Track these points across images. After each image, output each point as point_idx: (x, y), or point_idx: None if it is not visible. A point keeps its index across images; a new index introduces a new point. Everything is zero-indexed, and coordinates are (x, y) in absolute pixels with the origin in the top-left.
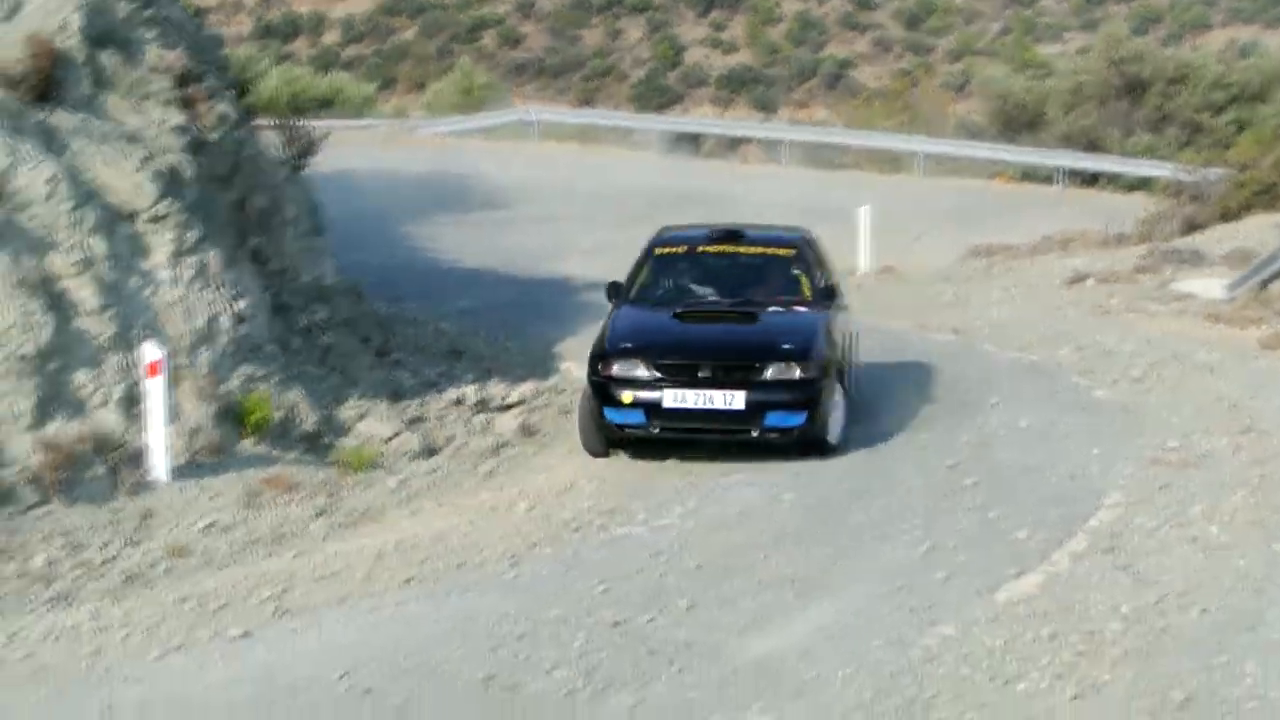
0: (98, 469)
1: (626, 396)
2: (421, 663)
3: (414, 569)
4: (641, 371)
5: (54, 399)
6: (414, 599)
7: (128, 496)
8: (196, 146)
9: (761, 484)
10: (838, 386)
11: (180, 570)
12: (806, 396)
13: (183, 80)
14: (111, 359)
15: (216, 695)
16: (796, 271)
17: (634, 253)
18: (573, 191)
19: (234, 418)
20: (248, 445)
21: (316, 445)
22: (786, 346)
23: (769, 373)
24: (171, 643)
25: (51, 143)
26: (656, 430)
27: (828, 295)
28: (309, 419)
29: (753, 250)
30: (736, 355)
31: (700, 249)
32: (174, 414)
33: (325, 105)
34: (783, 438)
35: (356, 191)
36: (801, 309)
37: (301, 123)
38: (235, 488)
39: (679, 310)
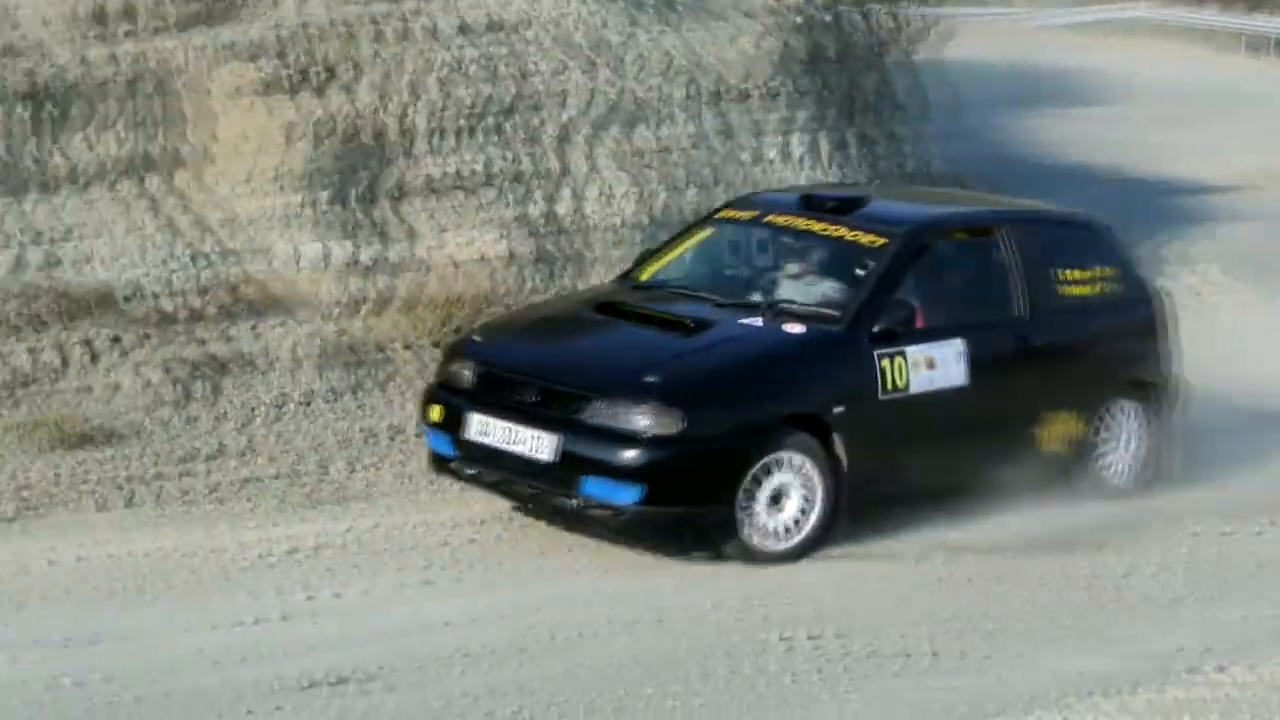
0: None
1: (434, 411)
2: None
3: None
4: (467, 379)
5: None
6: None
7: None
8: (809, 26)
9: None
10: (802, 461)
11: None
12: (649, 461)
13: None
14: None
15: None
16: (862, 271)
17: (1255, 155)
18: (1176, 90)
19: None
20: None
21: None
22: (648, 378)
23: (593, 414)
24: None
25: (667, 16)
26: (470, 472)
27: (885, 317)
28: None
29: (831, 231)
30: (567, 378)
31: (769, 219)
32: None
33: None
34: (615, 520)
35: (955, 81)
36: (795, 328)
37: (911, 9)
38: None
39: (607, 301)
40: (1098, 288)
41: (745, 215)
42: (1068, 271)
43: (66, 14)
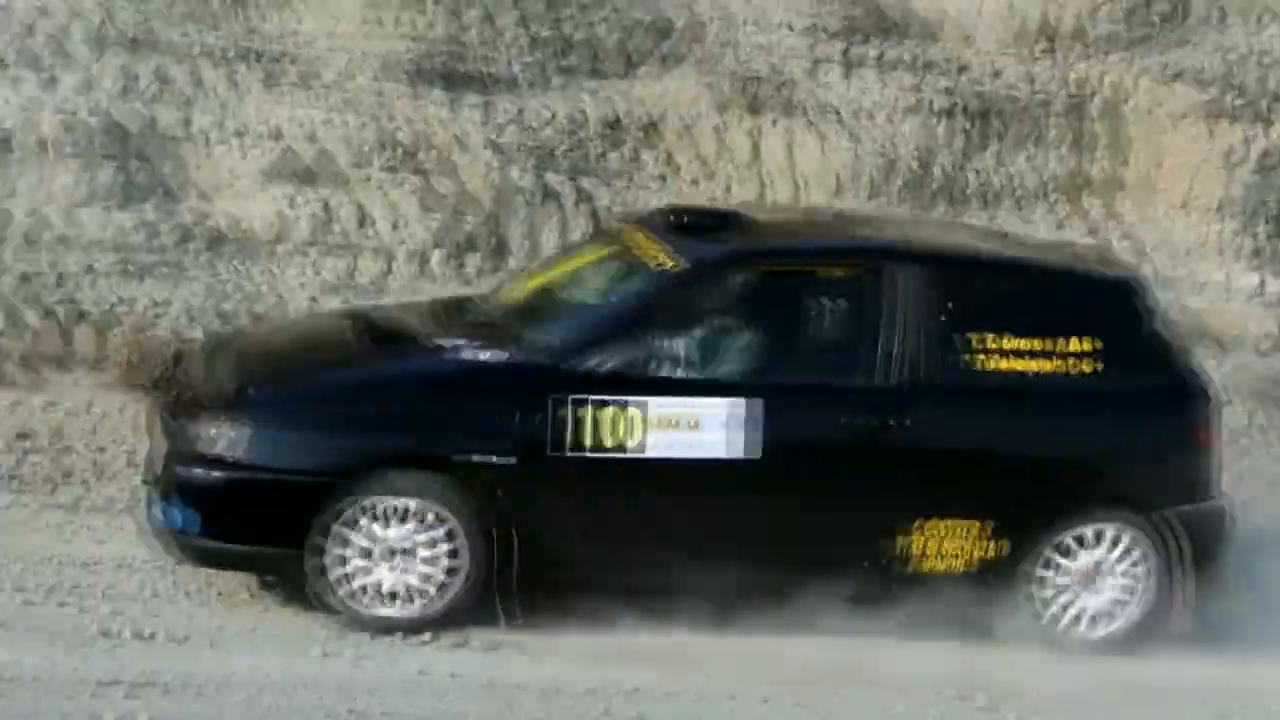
0: None
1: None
2: None
3: None
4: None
5: None
6: None
7: None
8: None
9: None
10: (438, 516)
11: None
12: (206, 484)
13: None
14: None
15: None
16: (634, 302)
17: None
18: None
19: None
20: None
21: None
22: (240, 391)
23: (190, 425)
24: None
25: None
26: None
27: (599, 356)
28: None
29: (645, 249)
30: (200, 384)
31: (627, 232)
32: None
33: None
34: (175, 546)
35: None
36: (481, 356)
37: None
38: None
39: (363, 311)
40: (1070, 364)
41: (628, 227)
42: (998, 338)
43: (1014, 31)
